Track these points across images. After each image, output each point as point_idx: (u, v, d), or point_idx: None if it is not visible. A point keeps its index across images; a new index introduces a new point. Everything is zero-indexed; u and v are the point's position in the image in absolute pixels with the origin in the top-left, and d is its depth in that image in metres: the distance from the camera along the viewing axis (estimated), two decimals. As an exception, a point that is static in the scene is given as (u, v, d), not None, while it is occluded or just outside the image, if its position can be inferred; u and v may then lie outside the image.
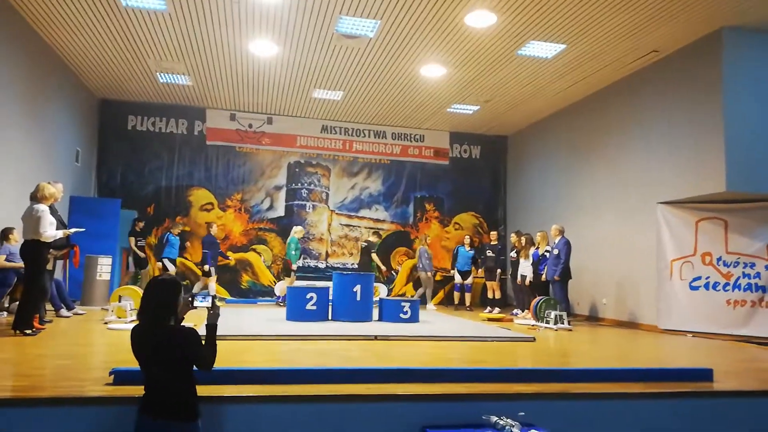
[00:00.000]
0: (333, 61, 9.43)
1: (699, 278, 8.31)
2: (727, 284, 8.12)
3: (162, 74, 10.32)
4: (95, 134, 11.82)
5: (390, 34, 8.30)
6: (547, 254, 9.38)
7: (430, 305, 11.52)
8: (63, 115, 9.91)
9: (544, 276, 9.31)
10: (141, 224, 11.17)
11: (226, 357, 4.41)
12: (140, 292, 7.01)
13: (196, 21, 8.06)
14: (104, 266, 9.04)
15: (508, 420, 3.32)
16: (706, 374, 4.37)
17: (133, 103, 12.06)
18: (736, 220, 8.16)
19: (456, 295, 11.66)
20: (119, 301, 7.17)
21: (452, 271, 11.78)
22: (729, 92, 7.65)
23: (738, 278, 8.05)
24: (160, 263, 10.87)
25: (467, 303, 11.49)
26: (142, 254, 10.90)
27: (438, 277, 12.57)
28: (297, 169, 12.89)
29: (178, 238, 11.15)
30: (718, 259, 8.22)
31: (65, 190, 9.77)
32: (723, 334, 7.92)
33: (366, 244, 11.60)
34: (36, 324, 5.83)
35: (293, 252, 10.73)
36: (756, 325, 7.86)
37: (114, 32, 8.48)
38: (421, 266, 11.71)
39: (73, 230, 6.48)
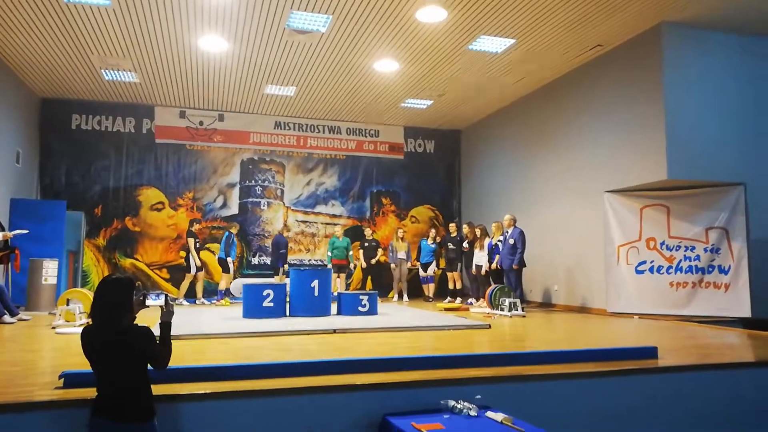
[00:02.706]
0: (285, 57, 9.35)
1: (644, 262, 8.68)
2: (670, 267, 8.51)
3: (107, 71, 9.99)
4: (36, 134, 11.35)
5: (342, 30, 8.30)
6: (500, 244, 9.60)
7: (405, 298, 11.69)
8: (1, 115, 9.46)
9: (495, 264, 9.53)
10: (198, 226, 10.96)
11: (182, 356, 4.34)
12: (90, 295, 6.80)
13: (141, 16, 7.84)
14: (50, 269, 8.70)
15: (465, 403, 3.40)
16: (651, 352, 4.59)
17: (77, 101, 11.64)
18: (678, 206, 8.55)
19: (424, 287, 11.86)
20: (67, 305, 6.93)
21: (416, 264, 11.97)
22: (669, 85, 8.00)
23: (680, 261, 8.45)
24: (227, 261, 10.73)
25: (430, 294, 11.66)
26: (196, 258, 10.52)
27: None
28: (250, 166, 12.73)
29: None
30: (662, 244, 8.60)
31: (5, 192, 9.41)
32: (667, 314, 8.32)
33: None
34: (-22, 332, 5.58)
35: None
36: (696, 305, 8.28)
37: (55, 28, 8.16)
38: (391, 259, 11.90)
39: (16, 232, 6.24)
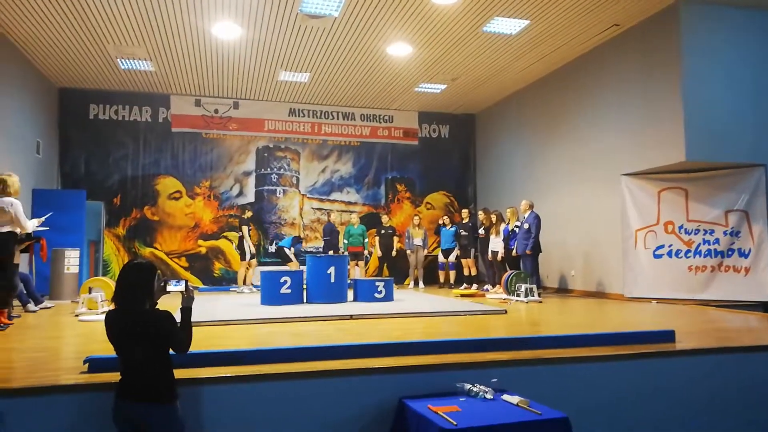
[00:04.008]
0: (298, 42, 9.34)
1: (662, 246, 8.59)
2: (688, 251, 8.42)
3: (123, 60, 10.07)
4: (56, 124, 11.51)
5: (355, 13, 8.25)
6: (517, 229, 9.56)
7: (421, 285, 11.73)
8: (21, 106, 9.61)
9: (514, 251, 9.49)
10: (250, 213, 11.12)
11: (202, 342, 4.42)
12: (112, 284, 6.93)
13: (155, 4, 7.88)
14: (72, 259, 8.86)
15: (481, 386, 3.43)
16: (668, 336, 4.57)
17: (94, 91, 11.76)
18: (696, 189, 8.44)
19: (441, 273, 11.84)
20: (89, 293, 7.07)
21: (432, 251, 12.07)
22: (687, 64, 7.86)
23: (699, 245, 8.35)
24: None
25: (452, 281, 11.65)
26: (250, 245, 10.64)
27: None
28: (266, 154, 12.79)
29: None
30: (680, 228, 8.50)
31: (27, 182, 9.58)
32: (685, 299, 8.24)
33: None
34: (3, 319, 5.72)
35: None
36: (715, 289, 8.19)
37: (71, 18, 8.23)
38: (407, 246, 11.94)
39: (44, 218, 6.40)
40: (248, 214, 11.02)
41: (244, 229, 10.50)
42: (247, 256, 10.50)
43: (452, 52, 9.78)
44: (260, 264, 12.25)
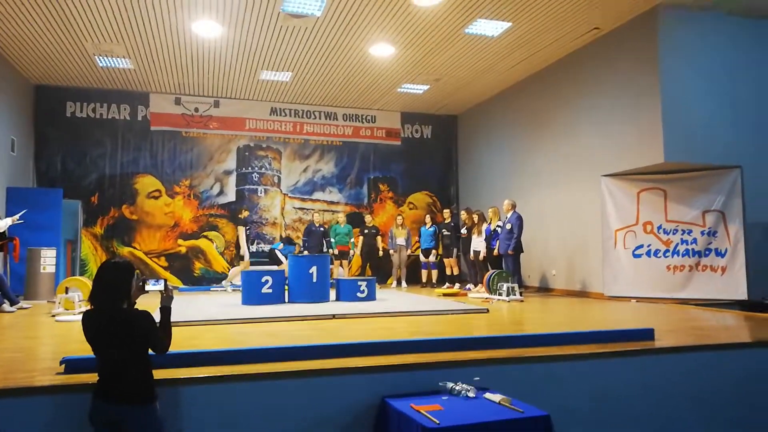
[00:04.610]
0: (280, 42, 9.28)
1: (641, 246, 8.71)
2: (667, 251, 8.55)
3: (101, 58, 9.90)
4: (32, 122, 11.28)
5: (337, 13, 8.23)
6: (499, 229, 9.62)
7: (404, 284, 11.75)
8: (-5, 102, 9.40)
9: (496, 250, 9.54)
10: (246, 213, 11.20)
11: (182, 342, 4.36)
12: (89, 283, 6.81)
13: (135, 1, 7.76)
14: (48, 258, 8.70)
15: (464, 385, 3.43)
16: (648, 334, 4.63)
17: (71, 88, 11.55)
18: (675, 189, 8.57)
19: (423, 273, 11.87)
20: (66, 293, 6.94)
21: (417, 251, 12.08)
22: (665, 67, 7.98)
23: (677, 245, 8.49)
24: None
25: (434, 280, 11.68)
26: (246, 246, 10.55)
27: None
28: (247, 153, 12.69)
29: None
30: (659, 228, 8.63)
31: (1, 181, 9.37)
32: (664, 298, 8.37)
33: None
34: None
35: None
36: (693, 288, 8.33)
37: (48, 14, 8.07)
38: (391, 246, 11.97)
39: (18, 215, 6.26)
40: (245, 213, 11.03)
41: (241, 229, 10.44)
42: (247, 256, 10.46)
43: (435, 54, 9.81)
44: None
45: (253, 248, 12.37)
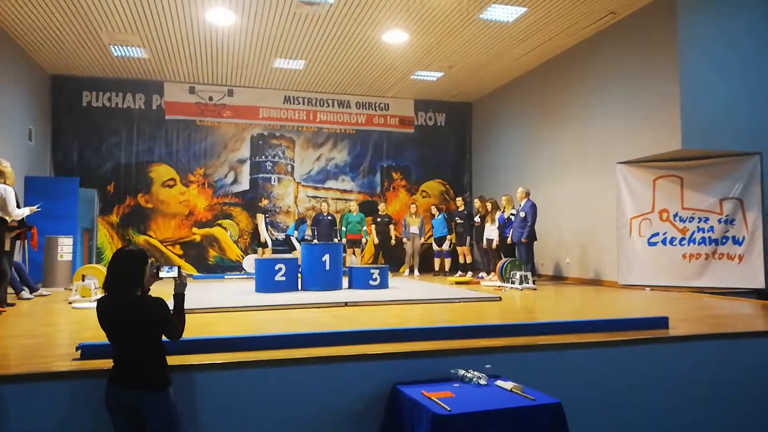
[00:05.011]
0: (294, 29, 9.25)
1: (657, 234, 8.62)
2: (683, 239, 8.44)
3: (116, 47, 9.96)
4: (48, 111, 11.40)
5: (350, 0, 8.17)
6: (513, 217, 9.57)
7: (416, 272, 11.75)
8: (12, 92, 9.50)
9: (509, 239, 9.49)
10: (266, 201, 11.45)
11: (196, 329, 4.42)
12: (104, 271, 6.90)
13: (147, -11, 7.78)
14: (65, 247, 8.82)
15: (475, 372, 3.43)
16: (662, 322, 4.59)
17: (86, 78, 11.64)
18: (691, 177, 8.44)
19: (436, 261, 11.89)
20: (83, 281, 7.04)
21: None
22: (684, 53, 7.82)
23: (693, 233, 8.38)
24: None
25: (447, 268, 11.68)
26: (266, 233, 10.75)
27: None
28: (260, 142, 12.72)
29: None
30: (675, 215, 8.52)
31: (20, 170, 9.50)
32: (679, 286, 8.28)
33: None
34: (-3, 306, 5.70)
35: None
36: (709, 277, 8.23)
37: (64, 4, 8.11)
38: (404, 234, 11.95)
39: (37, 206, 6.35)
40: (264, 202, 11.18)
41: (260, 217, 10.57)
42: (269, 243, 10.58)
43: (449, 40, 9.72)
44: (254, 252, 12.23)
45: (277, 236, 12.36)
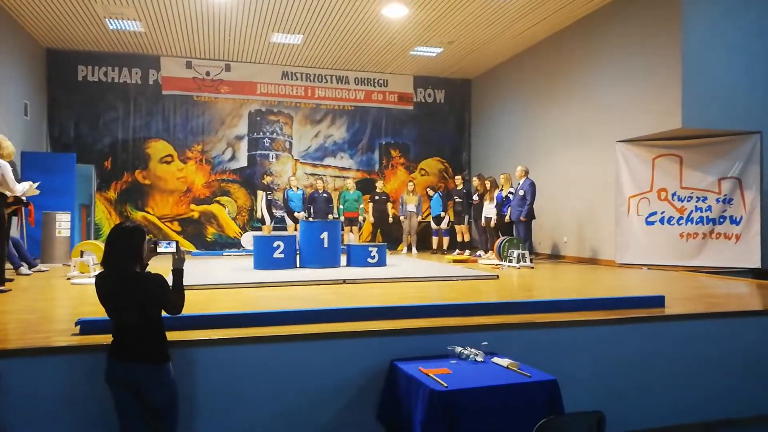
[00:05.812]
0: (291, 3, 9.11)
1: (655, 213, 8.63)
2: (680, 218, 8.46)
3: (111, 20, 9.81)
4: (44, 86, 11.28)
5: (348, -26, 8.04)
6: (511, 196, 9.56)
7: (414, 250, 11.78)
8: (7, 66, 9.38)
9: (507, 217, 9.50)
10: (269, 178, 11.50)
11: (194, 305, 4.43)
12: (103, 247, 6.90)
13: (142, -39, 7.64)
14: (63, 222, 8.81)
15: (472, 349, 3.46)
16: (658, 301, 4.62)
17: (82, 52, 11.49)
18: (691, 155, 8.42)
19: (434, 239, 11.96)
20: (81, 256, 7.05)
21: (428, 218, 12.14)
22: (687, 31, 7.73)
23: (691, 212, 8.39)
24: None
25: (445, 246, 11.71)
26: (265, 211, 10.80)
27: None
28: (258, 118, 12.63)
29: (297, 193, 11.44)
30: (673, 194, 8.52)
31: (16, 145, 9.42)
32: (676, 265, 8.32)
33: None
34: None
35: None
36: (706, 256, 8.27)
37: (54, -26, 7.97)
38: (401, 212, 11.94)
39: (36, 183, 6.32)
40: (267, 179, 11.18)
41: (260, 194, 10.60)
42: (267, 221, 10.58)
43: (449, 15, 9.58)
44: (252, 229, 12.24)
45: (278, 214, 12.22)
